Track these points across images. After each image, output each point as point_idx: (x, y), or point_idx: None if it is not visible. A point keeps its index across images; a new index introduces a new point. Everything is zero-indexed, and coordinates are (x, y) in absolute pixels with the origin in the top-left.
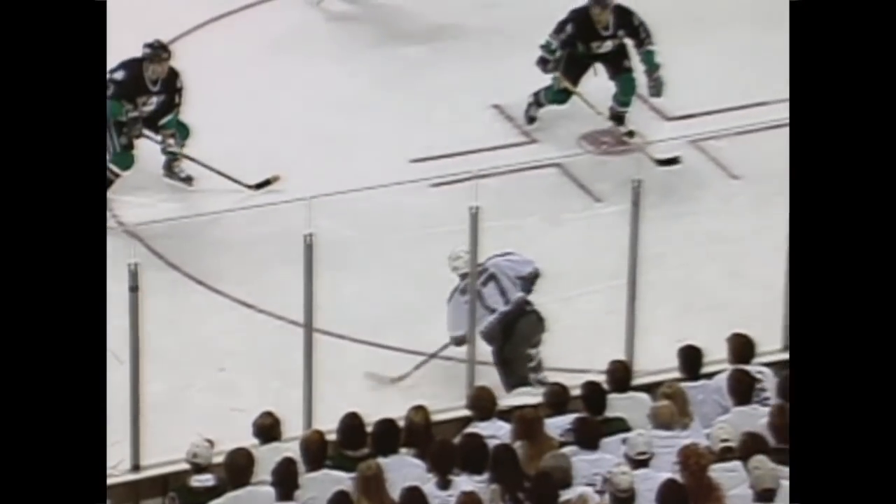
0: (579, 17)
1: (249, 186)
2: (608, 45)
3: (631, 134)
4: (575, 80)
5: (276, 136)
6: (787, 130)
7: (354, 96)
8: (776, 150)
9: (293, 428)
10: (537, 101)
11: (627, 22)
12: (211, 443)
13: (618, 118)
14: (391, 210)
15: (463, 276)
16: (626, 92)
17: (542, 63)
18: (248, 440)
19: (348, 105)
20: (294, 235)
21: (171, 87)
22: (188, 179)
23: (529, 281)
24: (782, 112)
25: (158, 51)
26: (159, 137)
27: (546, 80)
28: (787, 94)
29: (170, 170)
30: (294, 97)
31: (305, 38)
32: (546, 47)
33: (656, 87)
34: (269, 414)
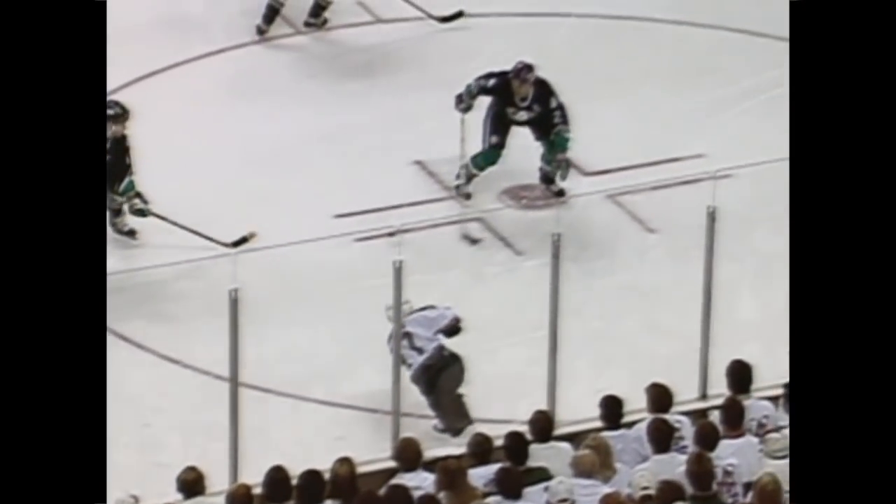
0: (501, 84)
1: (226, 244)
2: (523, 116)
3: (561, 193)
4: (503, 137)
5: (201, 190)
6: (700, 186)
7: (279, 152)
8: (691, 204)
9: (219, 482)
10: (469, 172)
11: (545, 101)
12: (136, 498)
13: (547, 179)
14: (315, 265)
15: None
16: (552, 152)
17: (458, 100)
18: (173, 495)
19: (273, 161)
20: (219, 290)
21: (121, 148)
22: (132, 233)
23: (448, 332)
24: (696, 167)
25: (119, 111)
26: (122, 200)
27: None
28: (700, 151)
29: (114, 225)
30: (219, 152)
31: (232, 94)
32: (466, 88)
33: (562, 171)
34: (192, 469)
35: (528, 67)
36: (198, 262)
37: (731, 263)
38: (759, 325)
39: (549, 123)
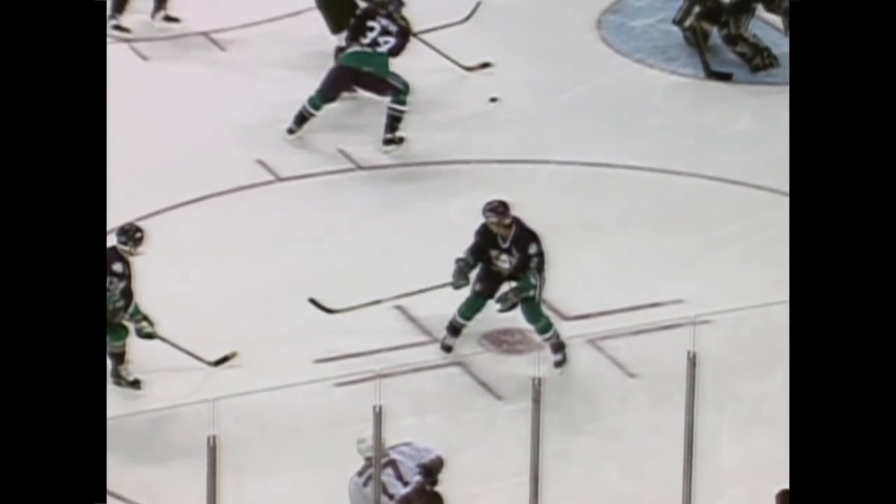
0: (481, 228)
1: (209, 363)
2: (505, 262)
3: (562, 362)
4: (487, 286)
5: (181, 332)
6: (680, 331)
7: (258, 297)
8: (671, 349)
9: None
10: (454, 326)
11: (524, 246)
12: None
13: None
14: (295, 410)
15: (367, 459)
16: (516, 291)
17: (457, 274)
18: None
19: (251, 306)
20: (197, 437)
21: (130, 272)
22: (136, 383)
23: (430, 469)
24: (676, 312)
25: (135, 235)
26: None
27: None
28: (680, 296)
29: (117, 374)
30: (201, 296)
31: (213, 237)
32: (463, 261)
33: (504, 304)
34: None
35: (503, 204)
36: (175, 409)
37: (713, 409)
38: (741, 472)
39: (526, 267)
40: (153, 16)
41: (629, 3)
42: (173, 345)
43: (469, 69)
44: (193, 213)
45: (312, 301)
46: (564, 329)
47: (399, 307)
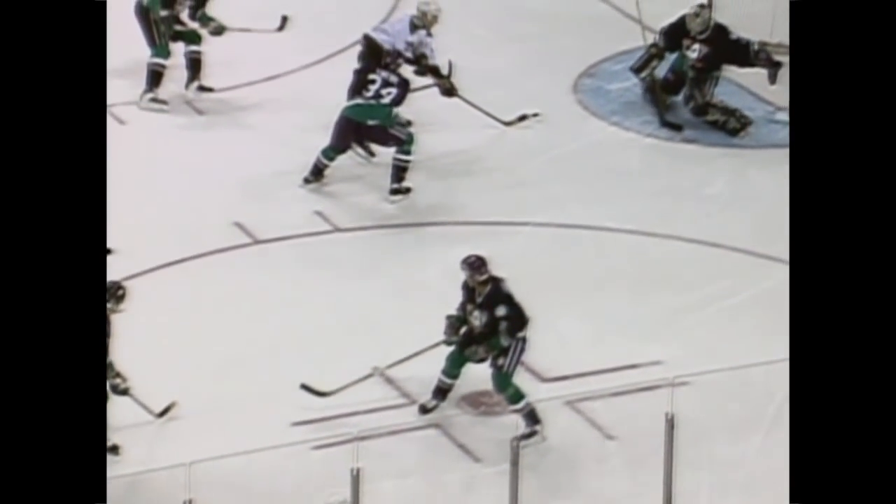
0: (464, 282)
1: (154, 415)
2: (477, 320)
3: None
4: (463, 348)
5: (157, 399)
6: (658, 393)
7: (235, 359)
8: (649, 411)
9: None
10: (441, 388)
11: (492, 307)
12: None
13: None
14: (272, 473)
15: None
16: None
17: (448, 330)
18: None
19: (228, 368)
20: (174, 501)
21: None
22: (114, 449)
23: None
24: (653, 374)
25: (117, 293)
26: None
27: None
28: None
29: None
30: (179, 358)
31: (191, 299)
32: (454, 317)
33: (473, 357)
34: None
35: (479, 259)
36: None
37: (691, 471)
38: None
39: (494, 328)
40: (187, 86)
41: (605, 67)
42: (138, 401)
43: (508, 124)
44: (172, 275)
45: (304, 387)
46: (542, 391)
47: (376, 367)
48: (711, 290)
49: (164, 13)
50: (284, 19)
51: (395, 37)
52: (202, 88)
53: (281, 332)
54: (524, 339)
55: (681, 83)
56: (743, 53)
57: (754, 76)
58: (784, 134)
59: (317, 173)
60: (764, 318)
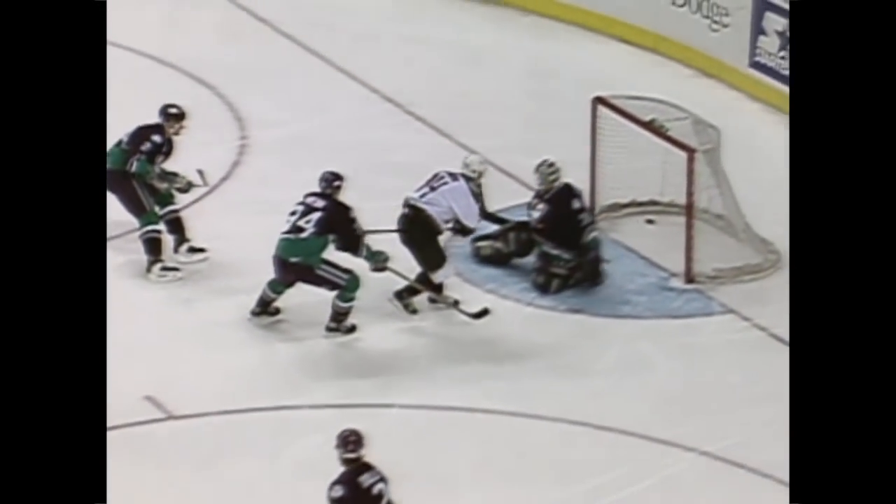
0: None
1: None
2: None
3: None
4: None
5: None
6: None
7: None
8: None
9: None
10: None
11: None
12: None
13: None
14: None
15: None
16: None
17: None
18: None
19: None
20: None
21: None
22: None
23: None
24: None
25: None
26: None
27: None
28: None
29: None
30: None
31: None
32: None
33: None
34: None
35: (354, 433)
36: None
37: None
38: None
39: None
40: (176, 250)
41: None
42: None
43: (476, 316)
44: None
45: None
46: None
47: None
48: (605, 479)
49: (156, 171)
50: (200, 173)
51: None
52: (193, 250)
53: None
54: None
55: (530, 247)
56: None
57: (649, 239)
58: (679, 303)
59: (263, 305)
60: None
